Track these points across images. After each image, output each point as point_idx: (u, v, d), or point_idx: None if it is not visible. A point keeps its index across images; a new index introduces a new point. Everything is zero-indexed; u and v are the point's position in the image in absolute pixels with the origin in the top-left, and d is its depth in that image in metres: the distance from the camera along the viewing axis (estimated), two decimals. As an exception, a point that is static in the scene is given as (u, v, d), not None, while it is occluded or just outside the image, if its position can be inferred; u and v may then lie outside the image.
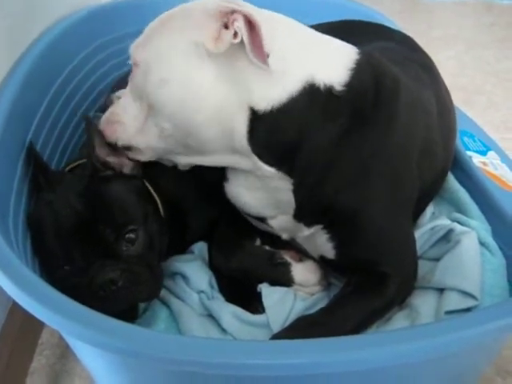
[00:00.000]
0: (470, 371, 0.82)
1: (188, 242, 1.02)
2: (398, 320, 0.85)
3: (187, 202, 0.98)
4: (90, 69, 1.26)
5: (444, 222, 0.97)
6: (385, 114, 0.81)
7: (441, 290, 0.87)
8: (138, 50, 0.81)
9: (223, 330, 0.87)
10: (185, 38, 0.76)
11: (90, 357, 0.78)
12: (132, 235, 0.81)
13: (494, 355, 0.88)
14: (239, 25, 0.70)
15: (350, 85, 0.78)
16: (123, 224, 0.81)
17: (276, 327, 0.86)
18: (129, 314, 0.83)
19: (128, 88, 0.86)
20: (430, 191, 0.98)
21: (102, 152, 0.86)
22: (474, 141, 1.09)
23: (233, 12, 0.71)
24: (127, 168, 0.88)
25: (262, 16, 0.71)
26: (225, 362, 0.60)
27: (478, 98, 1.92)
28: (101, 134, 0.86)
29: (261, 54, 0.71)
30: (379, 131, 0.81)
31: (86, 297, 0.74)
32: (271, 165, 0.79)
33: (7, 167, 0.85)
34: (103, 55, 1.31)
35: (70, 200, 0.81)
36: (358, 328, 0.80)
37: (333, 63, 0.79)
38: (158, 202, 0.91)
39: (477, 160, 1.04)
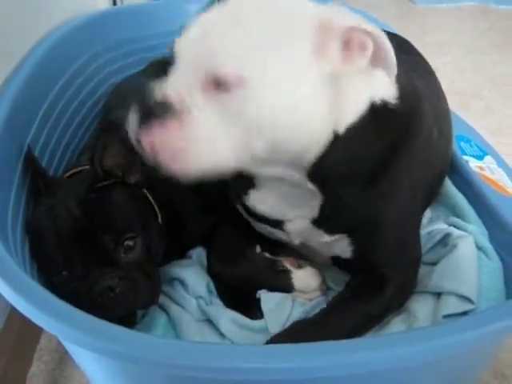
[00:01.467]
0: (468, 374, 0.82)
1: (186, 247, 1.02)
2: (395, 324, 0.85)
3: (185, 208, 0.98)
4: (89, 74, 1.26)
5: (441, 226, 0.97)
6: (422, 125, 0.82)
7: (438, 295, 0.87)
8: (230, 65, 0.64)
9: (221, 335, 0.87)
10: (297, 56, 0.66)
11: (88, 362, 0.78)
12: (130, 243, 0.82)
13: (491, 358, 0.88)
14: (370, 45, 0.65)
15: (401, 96, 0.77)
16: (122, 231, 0.81)
17: (275, 332, 0.86)
18: (128, 319, 0.83)
19: (201, 101, 0.66)
20: (428, 196, 0.98)
21: (109, 160, 0.85)
22: (471, 145, 1.10)
23: (351, 30, 0.65)
24: (133, 177, 0.88)
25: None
26: (221, 367, 0.60)
27: (475, 102, 1.93)
28: (119, 142, 0.83)
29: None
30: (417, 145, 0.82)
31: (85, 303, 0.74)
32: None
33: (5, 173, 0.85)
34: (102, 61, 1.32)
35: (70, 206, 0.81)
36: (354, 332, 0.81)
37: (382, 76, 0.73)
38: (157, 209, 0.91)
39: (473, 164, 1.04)
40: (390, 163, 0.79)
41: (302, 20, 0.66)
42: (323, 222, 0.83)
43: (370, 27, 0.65)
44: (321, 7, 0.68)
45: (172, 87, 0.67)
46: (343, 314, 0.82)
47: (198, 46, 0.66)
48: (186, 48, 0.67)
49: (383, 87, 0.76)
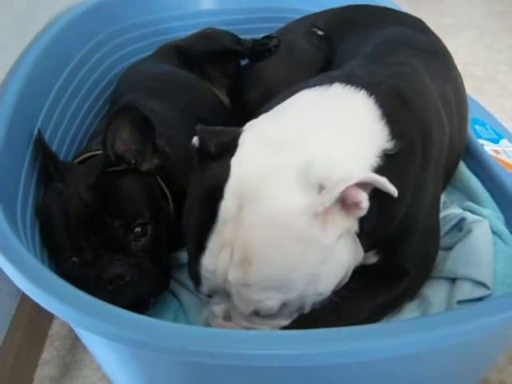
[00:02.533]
0: (483, 360, 0.81)
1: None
2: (410, 310, 0.85)
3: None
4: (98, 59, 1.26)
5: (456, 210, 0.96)
6: (422, 131, 0.79)
7: (452, 280, 0.86)
8: (271, 302, 0.68)
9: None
10: (318, 250, 0.67)
11: (99, 348, 0.78)
12: (140, 229, 0.81)
13: (507, 344, 0.87)
14: (364, 198, 0.65)
15: (395, 132, 0.73)
16: (131, 218, 0.81)
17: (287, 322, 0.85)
18: (140, 305, 0.83)
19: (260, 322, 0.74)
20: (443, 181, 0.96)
21: (122, 145, 0.84)
22: (486, 129, 1.08)
23: (342, 193, 0.64)
24: (145, 164, 0.87)
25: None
26: (230, 353, 0.60)
27: (490, 86, 1.90)
28: (132, 126, 0.83)
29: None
30: (426, 151, 0.79)
31: (94, 289, 0.74)
32: None
33: (15, 158, 0.85)
34: (111, 46, 1.31)
35: (80, 191, 0.80)
36: (365, 322, 0.79)
37: (367, 135, 0.73)
38: (169, 196, 0.91)
39: (489, 148, 1.02)
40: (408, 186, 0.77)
41: (301, 222, 0.65)
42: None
43: (358, 176, 0.63)
44: (308, 184, 0.65)
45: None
46: (353, 304, 0.81)
47: (235, 288, 0.68)
48: (220, 285, 0.70)
49: (372, 147, 0.72)
